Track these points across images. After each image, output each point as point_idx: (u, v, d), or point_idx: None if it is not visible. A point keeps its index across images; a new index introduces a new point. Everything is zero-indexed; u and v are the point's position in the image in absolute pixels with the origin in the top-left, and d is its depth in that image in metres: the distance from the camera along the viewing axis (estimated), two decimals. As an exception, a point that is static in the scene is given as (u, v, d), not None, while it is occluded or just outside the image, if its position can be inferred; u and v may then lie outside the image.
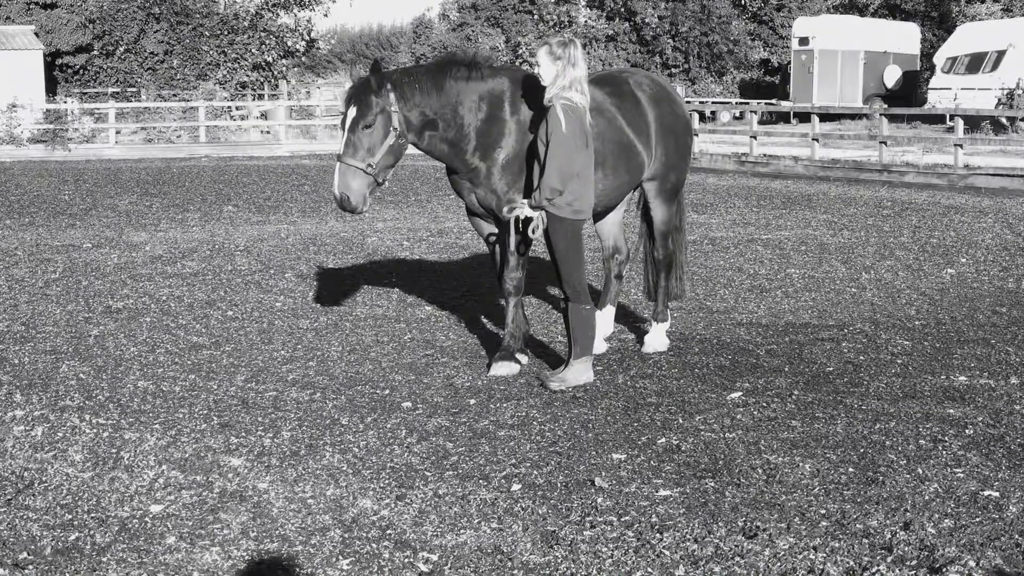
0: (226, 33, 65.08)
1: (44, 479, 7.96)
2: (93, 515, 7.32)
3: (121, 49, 62.58)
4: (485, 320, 13.22)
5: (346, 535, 7.03)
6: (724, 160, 40.36)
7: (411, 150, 10.81)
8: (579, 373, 10.26)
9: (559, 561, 6.66)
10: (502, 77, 10.76)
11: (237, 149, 48.35)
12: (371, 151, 10.29)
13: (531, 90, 10.54)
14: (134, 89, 61.99)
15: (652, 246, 12.20)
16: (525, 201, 10.13)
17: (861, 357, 11.46)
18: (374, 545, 6.88)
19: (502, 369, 10.74)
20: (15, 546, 6.89)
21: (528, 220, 10.11)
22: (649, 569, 6.54)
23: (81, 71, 62.08)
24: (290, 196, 29.03)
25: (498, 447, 8.64)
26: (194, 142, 49.65)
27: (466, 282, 15.75)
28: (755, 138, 40.55)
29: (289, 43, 69.34)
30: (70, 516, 7.30)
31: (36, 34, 57.24)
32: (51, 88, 57.69)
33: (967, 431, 8.96)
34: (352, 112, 10.28)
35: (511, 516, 7.28)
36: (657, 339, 11.87)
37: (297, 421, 9.34)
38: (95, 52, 62.07)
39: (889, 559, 6.59)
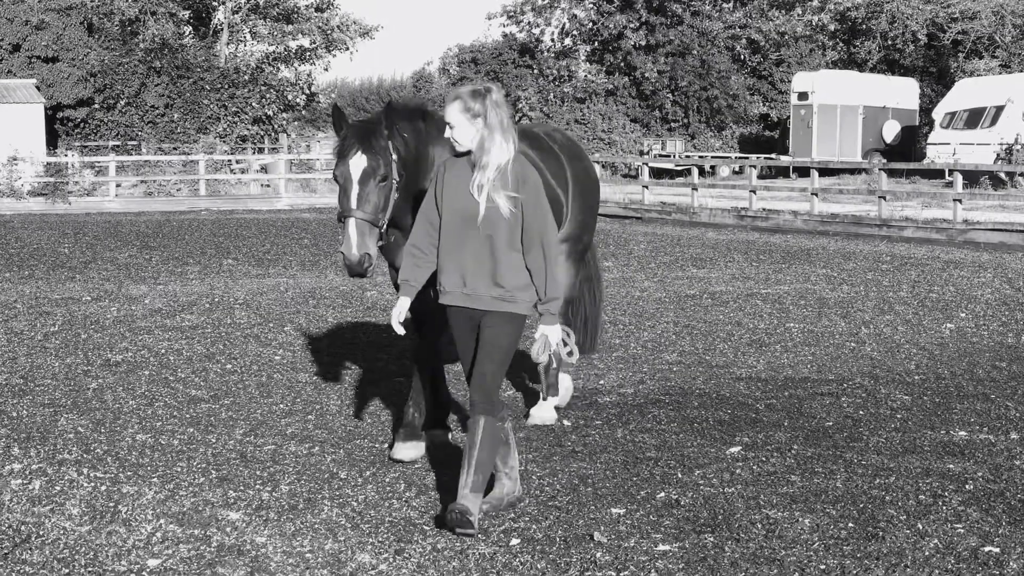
0: (227, 87, 65.41)
1: (41, 533, 7.93)
2: (90, 569, 7.29)
3: (122, 102, 62.87)
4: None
5: (344, 590, 7.00)
6: (723, 214, 40.41)
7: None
8: (476, 505, 7.91)
9: (558, 616, 6.63)
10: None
11: (237, 202, 48.43)
12: (384, 206, 9.16)
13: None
14: (135, 142, 62.23)
15: None
16: (545, 329, 8.10)
17: (860, 412, 11.44)
18: (372, 600, 6.86)
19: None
20: (12, 600, 6.86)
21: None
22: (648, 625, 6.51)
23: (82, 124, 62.33)
24: (290, 249, 29.06)
25: (497, 501, 8.61)
26: (194, 195, 49.72)
27: (465, 336, 15.71)
28: (754, 192, 40.61)
29: (289, 97, 69.74)
30: (67, 571, 7.27)
31: (37, 87, 57.46)
32: (52, 141, 57.85)
33: (967, 486, 8.93)
34: (363, 161, 9.07)
35: (510, 571, 7.26)
36: (545, 412, 11.14)
37: (296, 475, 9.32)
38: (96, 105, 62.34)
39: (889, 615, 6.57)
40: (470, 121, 7.87)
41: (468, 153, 7.99)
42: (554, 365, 9.10)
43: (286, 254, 27.80)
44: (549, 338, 8.04)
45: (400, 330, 8.16)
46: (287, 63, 76.16)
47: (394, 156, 9.22)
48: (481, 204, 7.86)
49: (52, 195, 46.64)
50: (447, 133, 8.00)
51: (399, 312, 8.16)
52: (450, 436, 10.24)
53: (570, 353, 8.52)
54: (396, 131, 9.30)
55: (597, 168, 48.19)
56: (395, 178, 9.21)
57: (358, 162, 9.08)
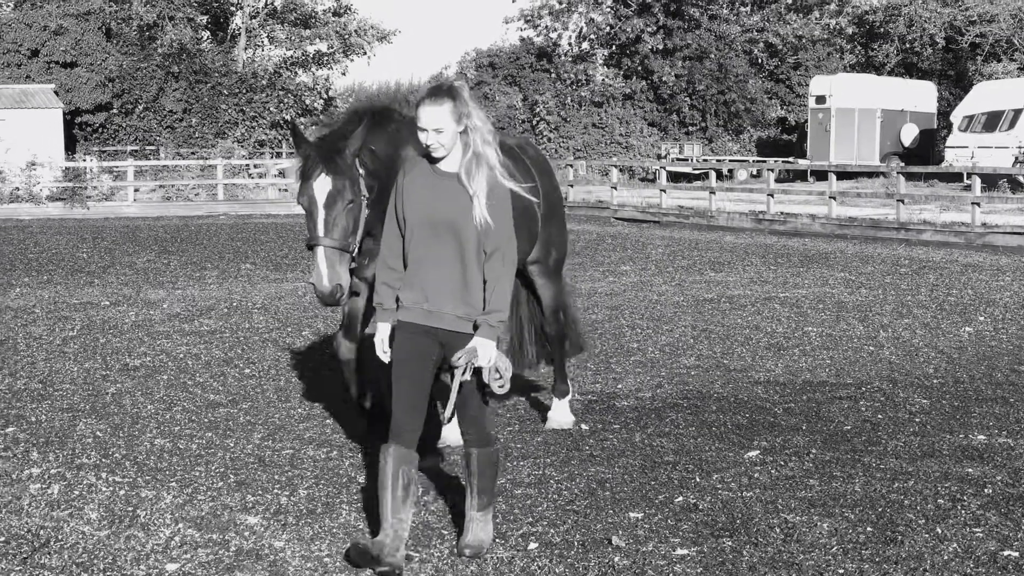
0: (244, 91, 65.48)
1: (60, 537, 7.95)
2: (109, 574, 7.30)
3: (140, 107, 62.97)
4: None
5: (362, 594, 7.01)
6: (741, 218, 40.35)
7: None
8: (487, 528, 7.76)
9: (576, 621, 6.62)
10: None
11: (255, 207, 48.46)
12: (354, 229, 8.67)
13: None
14: (153, 147, 62.31)
15: (542, 321, 11.19)
16: (479, 342, 7.28)
17: (879, 415, 11.42)
18: (390, 604, 6.85)
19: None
20: (31, 604, 6.88)
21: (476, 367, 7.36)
22: (666, 629, 6.50)
23: (100, 129, 62.41)
24: (307, 254, 29.06)
25: (515, 505, 8.61)
26: (212, 200, 49.75)
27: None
28: (772, 196, 40.51)
29: (307, 101, 69.73)
30: (86, 575, 7.28)
31: (56, 93, 57.58)
32: (70, 146, 57.93)
33: (986, 490, 8.91)
34: (327, 183, 8.51)
35: (528, 575, 7.25)
36: (561, 415, 11.17)
37: (314, 479, 9.33)
38: (114, 110, 62.43)
39: (908, 620, 6.55)
40: (457, 123, 7.21)
41: (433, 158, 7.36)
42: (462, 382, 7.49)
43: (304, 258, 27.81)
44: (478, 351, 7.21)
45: (387, 358, 7.48)
46: (305, 68, 76.27)
47: (361, 172, 8.70)
48: (476, 210, 7.24)
49: (71, 200, 46.72)
50: (431, 139, 7.23)
51: (382, 340, 7.46)
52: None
53: (501, 386, 7.33)
54: (363, 144, 8.72)
55: (615, 172, 48.35)
56: (364, 196, 8.70)
57: (322, 185, 8.52)
